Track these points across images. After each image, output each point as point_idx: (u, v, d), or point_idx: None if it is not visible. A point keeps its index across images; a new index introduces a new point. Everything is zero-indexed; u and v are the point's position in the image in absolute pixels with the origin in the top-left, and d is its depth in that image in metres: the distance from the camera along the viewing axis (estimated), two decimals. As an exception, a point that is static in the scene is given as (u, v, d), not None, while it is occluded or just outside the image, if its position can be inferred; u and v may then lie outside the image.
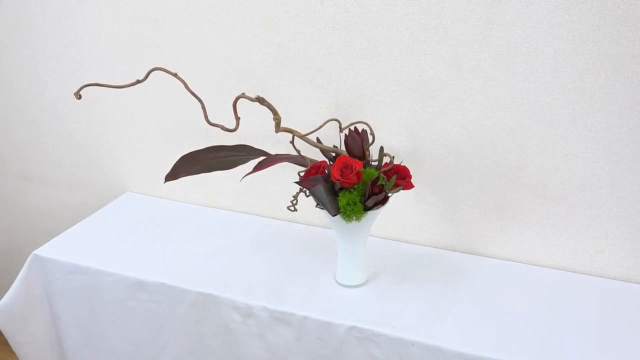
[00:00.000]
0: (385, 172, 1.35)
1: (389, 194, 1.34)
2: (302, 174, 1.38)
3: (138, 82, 1.28)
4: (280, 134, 1.34)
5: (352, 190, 1.31)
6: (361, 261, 1.45)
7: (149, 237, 1.68)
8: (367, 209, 1.32)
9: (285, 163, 1.38)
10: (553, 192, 1.47)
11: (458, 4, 1.37)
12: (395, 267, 1.52)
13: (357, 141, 1.37)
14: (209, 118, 1.28)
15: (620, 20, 1.27)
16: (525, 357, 1.24)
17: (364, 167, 1.34)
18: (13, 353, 1.77)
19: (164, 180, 1.36)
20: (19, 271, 1.60)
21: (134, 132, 1.85)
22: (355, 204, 1.30)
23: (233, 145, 1.40)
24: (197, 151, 1.38)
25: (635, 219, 1.42)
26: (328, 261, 1.52)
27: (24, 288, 1.59)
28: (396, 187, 1.34)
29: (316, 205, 1.36)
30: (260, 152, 1.40)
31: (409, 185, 1.37)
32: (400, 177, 1.35)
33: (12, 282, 1.60)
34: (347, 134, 1.39)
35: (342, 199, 1.31)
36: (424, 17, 1.41)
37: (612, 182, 1.41)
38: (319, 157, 1.42)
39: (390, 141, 1.52)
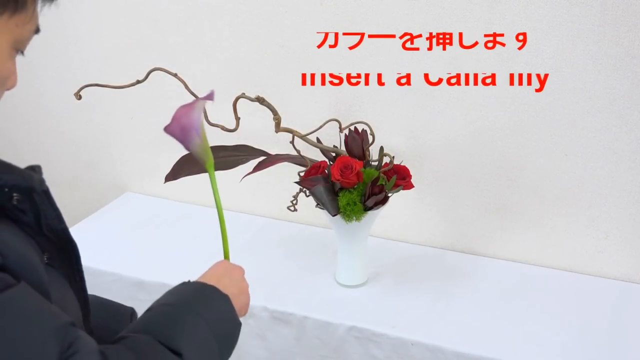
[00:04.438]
0: (385, 172, 1.35)
1: (389, 194, 1.34)
2: (302, 174, 1.38)
3: (138, 82, 1.28)
4: (280, 134, 1.34)
5: (352, 190, 1.31)
6: (361, 261, 1.45)
7: (148, 237, 1.68)
8: (367, 209, 1.32)
9: (285, 163, 1.38)
10: (553, 192, 1.47)
11: (458, 4, 1.37)
12: (395, 267, 1.52)
13: (357, 141, 1.37)
14: (209, 118, 1.28)
15: (620, 20, 1.27)
16: (525, 357, 1.24)
17: (364, 167, 1.35)
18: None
19: (164, 180, 1.36)
20: (19, 271, 1.60)
21: (134, 132, 1.85)
22: (355, 204, 1.30)
23: (233, 145, 1.40)
24: (197, 151, 1.38)
25: (635, 219, 1.42)
26: (328, 261, 1.52)
27: (24, 288, 1.59)
28: (396, 187, 1.34)
29: (316, 205, 1.36)
30: (260, 152, 1.40)
31: (409, 185, 1.37)
32: (400, 177, 1.35)
33: (12, 282, 1.59)
34: (347, 134, 1.39)
35: (342, 199, 1.31)
36: (424, 17, 1.41)
37: (612, 182, 1.41)
38: (319, 157, 1.42)
39: (390, 141, 1.52)
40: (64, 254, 0.77)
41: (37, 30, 0.70)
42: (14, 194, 0.69)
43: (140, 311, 0.93)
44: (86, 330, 0.82)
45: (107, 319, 0.86)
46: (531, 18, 1.33)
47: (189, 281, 0.86)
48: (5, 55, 0.66)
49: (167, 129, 0.77)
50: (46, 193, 0.73)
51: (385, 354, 1.31)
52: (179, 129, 0.77)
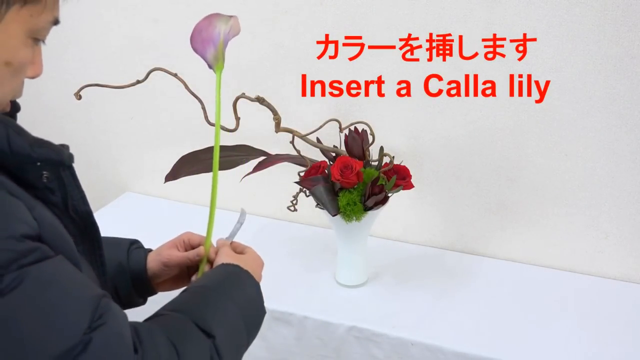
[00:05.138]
0: (385, 172, 1.35)
1: (389, 194, 1.34)
2: (302, 174, 1.38)
3: (138, 82, 1.28)
4: (280, 134, 1.34)
5: (352, 190, 1.31)
6: (361, 261, 1.45)
7: (149, 237, 1.67)
8: (367, 209, 1.32)
9: (285, 163, 1.38)
10: (553, 192, 1.47)
11: (458, 4, 1.37)
12: (395, 267, 1.52)
13: (357, 141, 1.37)
14: (209, 118, 1.28)
15: (620, 20, 1.27)
16: (525, 357, 1.24)
17: (364, 167, 1.35)
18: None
19: (164, 180, 1.36)
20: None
21: (134, 132, 1.85)
22: (355, 204, 1.30)
23: (233, 145, 1.40)
24: (197, 151, 1.38)
25: (635, 219, 1.42)
26: (328, 261, 1.52)
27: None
28: (396, 187, 1.34)
29: (316, 205, 1.36)
30: (260, 152, 1.40)
31: (409, 185, 1.37)
32: (400, 177, 1.35)
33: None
34: (347, 134, 1.39)
35: (342, 199, 1.31)
36: (424, 17, 1.41)
37: (612, 182, 1.41)
38: (319, 157, 1.42)
39: (390, 141, 1.52)
40: (87, 238, 0.79)
41: (55, 22, 0.71)
42: (44, 172, 0.71)
43: (138, 311, 0.95)
44: None
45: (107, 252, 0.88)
46: (531, 18, 1.33)
47: (225, 264, 0.90)
48: (19, 43, 0.68)
49: (191, 43, 0.89)
50: (72, 173, 0.76)
51: (385, 354, 1.31)
52: (200, 40, 0.89)
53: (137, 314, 1.04)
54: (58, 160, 0.72)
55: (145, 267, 0.99)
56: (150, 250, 1.03)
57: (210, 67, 0.92)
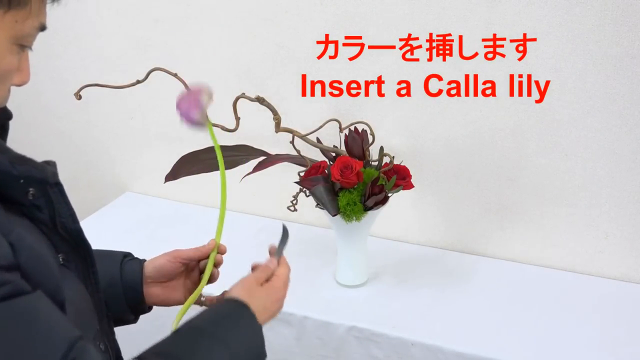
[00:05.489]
0: (385, 172, 1.35)
1: (389, 194, 1.34)
2: (302, 174, 1.38)
3: (138, 82, 1.28)
4: (280, 134, 1.34)
5: (352, 190, 1.31)
6: (361, 261, 1.45)
7: (149, 237, 1.68)
8: (367, 209, 1.32)
9: (285, 163, 1.38)
10: (553, 192, 1.47)
11: (458, 4, 1.37)
12: (395, 267, 1.52)
13: (357, 141, 1.37)
14: (209, 118, 1.28)
15: (620, 20, 1.27)
16: (525, 357, 1.24)
17: (364, 167, 1.35)
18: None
19: (164, 180, 1.36)
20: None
21: (134, 132, 1.85)
22: (355, 204, 1.30)
23: (233, 145, 1.40)
24: (197, 151, 1.38)
25: (635, 219, 1.42)
26: (328, 261, 1.52)
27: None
28: (396, 187, 1.34)
29: (316, 205, 1.36)
30: (260, 152, 1.40)
31: (409, 185, 1.37)
32: (400, 177, 1.35)
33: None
34: (347, 134, 1.39)
35: (342, 199, 1.31)
36: (424, 17, 1.41)
37: (612, 182, 1.41)
38: (319, 157, 1.42)
39: (390, 141, 1.52)
40: (78, 256, 0.77)
41: (42, 28, 0.69)
42: (30, 189, 0.70)
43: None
44: (102, 332, 0.82)
45: (99, 265, 0.85)
46: (531, 18, 1.33)
47: (230, 301, 0.85)
48: (3, 50, 0.66)
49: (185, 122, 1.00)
50: (60, 190, 0.73)
51: (385, 354, 1.31)
52: (188, 120, 1.00)
53: (129, 334, 1.03)
54: (40, 178, 0.70)
55: (141, 277, 0.97)
56: (144, 261, 1.01)
57: (201, 125, 1.01)
